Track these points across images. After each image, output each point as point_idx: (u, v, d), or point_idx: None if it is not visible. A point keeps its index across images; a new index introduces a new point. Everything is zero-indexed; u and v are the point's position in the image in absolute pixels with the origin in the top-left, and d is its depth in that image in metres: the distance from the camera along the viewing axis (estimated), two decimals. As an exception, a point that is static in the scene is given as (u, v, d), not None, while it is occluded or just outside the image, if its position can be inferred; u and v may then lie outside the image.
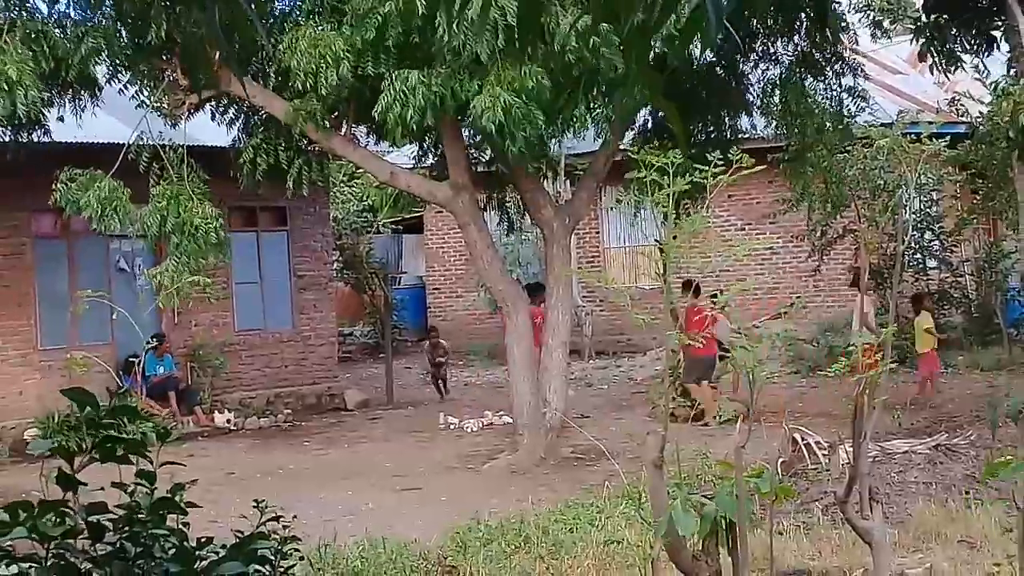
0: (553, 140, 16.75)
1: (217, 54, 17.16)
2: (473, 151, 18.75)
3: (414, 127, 15.50)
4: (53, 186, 17.12)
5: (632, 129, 19.24)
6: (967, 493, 12.85)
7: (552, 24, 15.08)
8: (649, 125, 19.50)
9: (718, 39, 2.70)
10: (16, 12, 16.76)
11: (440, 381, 24.59)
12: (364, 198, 33.23)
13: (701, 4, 2.66)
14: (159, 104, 17.98)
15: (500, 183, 20.33)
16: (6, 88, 15.94)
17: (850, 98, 19.87)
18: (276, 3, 17.34)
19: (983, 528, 11.30)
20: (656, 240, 22.53)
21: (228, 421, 21.59)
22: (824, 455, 14.94)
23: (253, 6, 16.16)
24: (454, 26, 13.87)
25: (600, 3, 3.23)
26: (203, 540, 4.31)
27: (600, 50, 14.62)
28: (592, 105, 16.55)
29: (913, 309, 21.59)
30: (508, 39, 13.56)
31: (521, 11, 3.73)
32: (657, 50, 12.42)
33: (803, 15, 18.32)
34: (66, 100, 18.16)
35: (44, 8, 17.26)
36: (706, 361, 19.44)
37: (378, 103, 15.33)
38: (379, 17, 15.01)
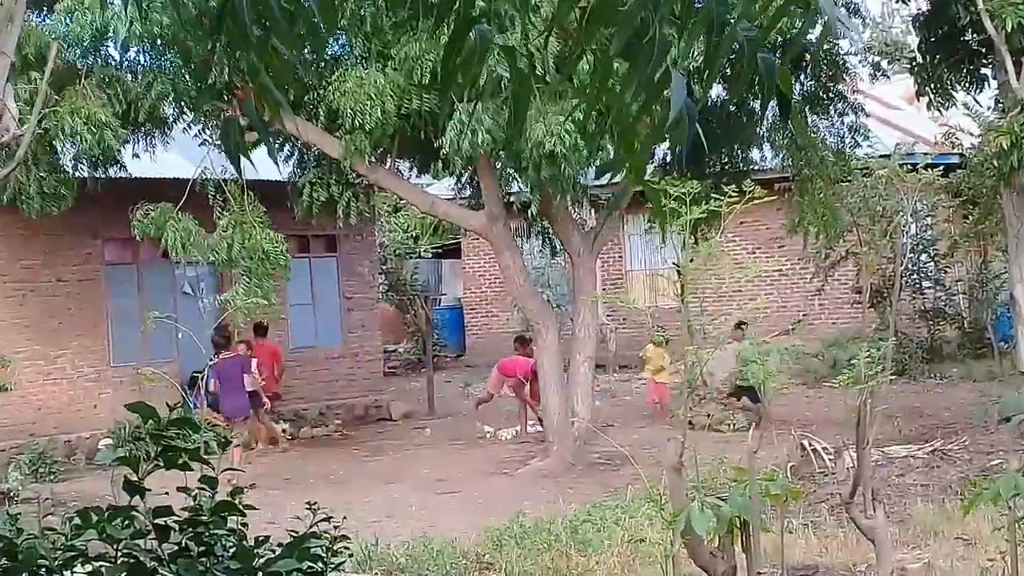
0: (581, 169, 16.49)
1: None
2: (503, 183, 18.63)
3: (475, 155, 15.51)
4: (130, 219, 17.29)
5: (652, 162, 19.12)
6: (962, 494, 12.74)
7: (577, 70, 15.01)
8: (667, 158, 19.39)
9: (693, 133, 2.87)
10: (92, 59, 16.90)
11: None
12: (408, 229, 33.19)
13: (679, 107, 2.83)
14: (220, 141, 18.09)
15: (528, 212, 20.06)
16: (95, 129, 16.12)
17: (850, 133, 19.84)
18: (328, 48, 17.40)
19: (977, 526, 11.17)
20: (675, 263, 22.39)
21: (284, 431, 21.46)
22: (830, 459, 14.85)
23: (306, 50, 16.16)
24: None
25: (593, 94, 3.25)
26: (260, 539, 4.30)
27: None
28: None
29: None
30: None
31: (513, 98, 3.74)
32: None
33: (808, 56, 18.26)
34: (139, 138, 18.30)
35: (116, 55, 17.36)
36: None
37: (445, 135, 15.20)
38: (430, 61, 14.92)
